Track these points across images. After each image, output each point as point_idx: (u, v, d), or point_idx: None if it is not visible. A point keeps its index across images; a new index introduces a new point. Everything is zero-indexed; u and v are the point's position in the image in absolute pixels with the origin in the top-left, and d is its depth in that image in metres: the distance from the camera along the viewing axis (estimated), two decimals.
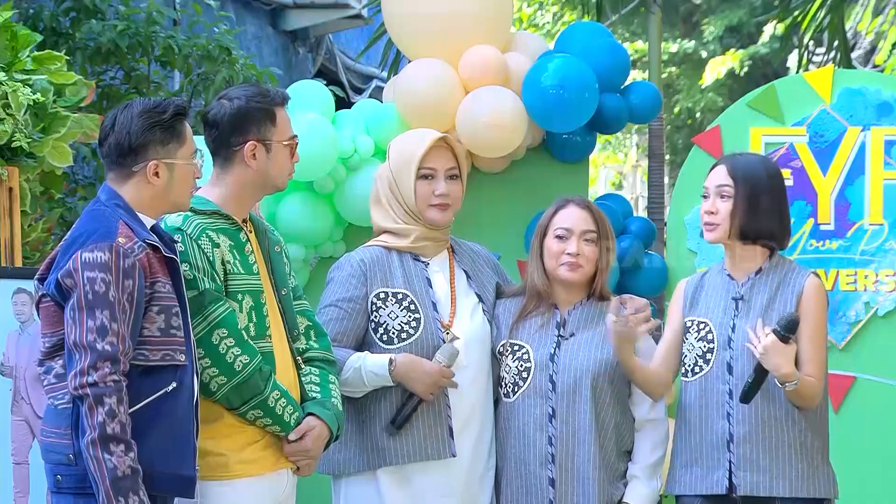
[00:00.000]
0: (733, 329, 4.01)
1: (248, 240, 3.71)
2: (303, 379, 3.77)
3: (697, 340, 4.06)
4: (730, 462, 3.97)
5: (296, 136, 3.75)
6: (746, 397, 3.91)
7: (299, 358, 3.78)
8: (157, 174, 3.40)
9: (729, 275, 4.10)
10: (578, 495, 4.02)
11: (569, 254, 4.08)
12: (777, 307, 3.99)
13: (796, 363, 3.93)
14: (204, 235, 3.59)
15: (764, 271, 4.06)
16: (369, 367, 3.97)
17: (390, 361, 3.96)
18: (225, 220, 3.67)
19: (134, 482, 3.20)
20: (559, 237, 4.11)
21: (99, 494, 3.20)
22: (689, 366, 4.08)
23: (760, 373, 3.89)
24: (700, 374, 4.05)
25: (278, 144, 3.70)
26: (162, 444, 3.33)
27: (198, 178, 3.52)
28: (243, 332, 3.57)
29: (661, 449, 4.14)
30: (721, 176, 4.07)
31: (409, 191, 4.07)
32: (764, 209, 4.03)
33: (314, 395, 3.76)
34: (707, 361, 4.03)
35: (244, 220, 3.74)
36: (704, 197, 4.10)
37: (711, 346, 4.03)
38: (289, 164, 3.74)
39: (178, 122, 3.43)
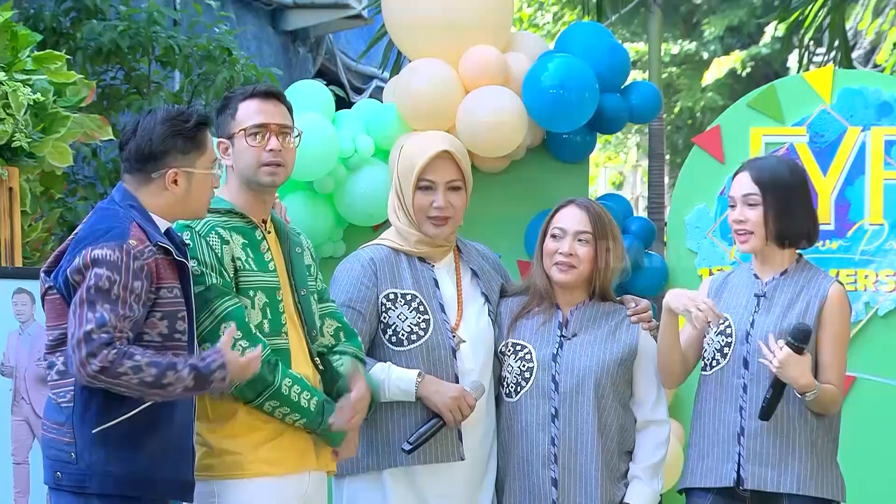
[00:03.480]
0: (752, 325, 4.02)
1: (265, 238, 3.71)
2: (335, 364, 3.78)
3: (717, 335, 4.07)
4: (739, 455, 3.98)
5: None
6: (766, 414, 3.91)
7: (317, 359, 3.79)
8: (175, 182, 3.42)
9: (755, 274, 4.11)
10: (581, 495, 4.02)
11: (561, 253, 4.08)
12: (799, 308, 4.00)
13: (815, 370, 3.95)
14: (213, 232, 3.60)
15: (789, 272, 4.07)
16: (395, 380, 3.95)
17: (419, 374, 3.96)
18: (239, 219, 3.68)
19: (201, 371, 3.26)
20: (554, 236, 4.11)
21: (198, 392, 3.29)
22: (708, 359, 4.09)
23: (778, 387, 3.89)
24: (717, 367, 4.06)
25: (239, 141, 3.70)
26: (161, 449, 3.34)
27: (216, 187, 3.53)
28: (252, 326, 3.58)
29: (663, 449, 4.14)
30: (746, 184, 4.05)
31: (409, 200, 4.06)
32: (796, 211, 4.03)
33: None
34: (724, 356, 4.04)
35: (263, 221, 3.74)
36: (731, 206, 4.10)
37: (729, 340, 4.04)
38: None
39: (200, 132, 3.45)
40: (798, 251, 4.11)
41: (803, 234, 4.07)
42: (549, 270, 4.11)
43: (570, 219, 4.10)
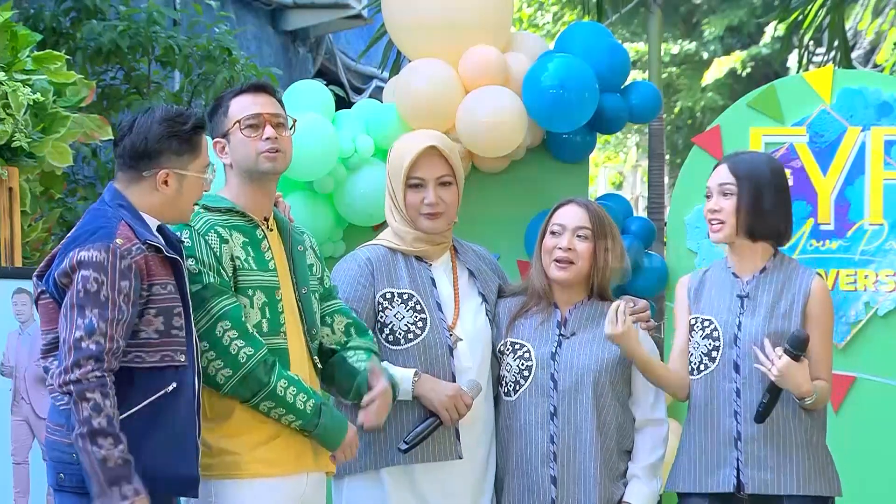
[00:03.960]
0: (739, 327, 4.01)
1: (266, 237, 3.72)
2: (350, 360, 3.79)
3: (703, 338, 4.06)
4: (737, 460, 3.97)
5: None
6: (762, 417, 3.91)
7: (316, 358, 3.79)
8: (166, 183, 3.42)
9: (733, 273, 4.10)
10: (580, 493, 4.02)
11: (560, 248, 4.08)
12: (784, 307, 3.99)
13: (809, 366, 3.95)
14: (212, 231, 3.60)
15: (768, 270, 4.06)
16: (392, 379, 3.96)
17: (415, 373, 3.96)
18: (240, 218, 3.68)
19: (126, 471, 3.21)
20: (553, 233, 4.11)
21: (93, 486, 3.21)
22: (695, 364, 4.07)
23: (775, 393, 3.89)
24: (705, 371, 4.04)
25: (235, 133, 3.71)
26: (164, 445, 3.34)
27: (206, 191, 3.53)
28: (249, 325, 3.58)
29: (662, 449, 4.14)
30: (723, 174, 4.07)
31: (401, 198, 4.07)
32: (769, 206, 4.03)
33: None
34: (713, 359, 4.03)
35: (265, 219, 3.74)
36: (707, 197, 4.10)
37: (717, 343, 4.03)
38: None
39: (196, 135, 3.44)
40: (775, 248, 4.11)
41: (774, 232, 4.07)
42: (547, 268, 4.11)
43: (570, 215, 4.11)
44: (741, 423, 3.98)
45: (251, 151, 3.68)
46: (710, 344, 4.05)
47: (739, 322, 4.02)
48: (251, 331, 3.58)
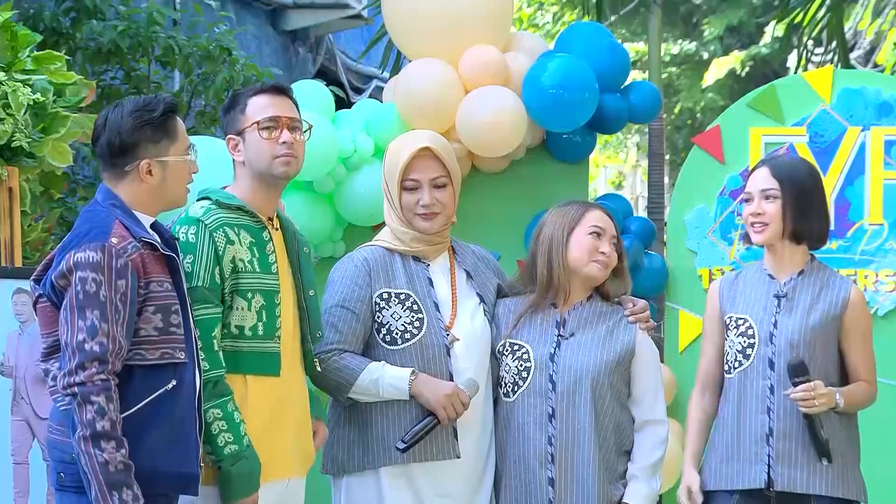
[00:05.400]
0: (775, 325, 4.03)
1: (272, 239, 3.72)
2: None
3: (737, 336, 4.09)
4: (768, 456, 3.99)
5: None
6: (824, 454, 3.98)
7: (316, 360, 3.80)
8: (150, 173, 3.41)
9: (769, 275, 4.12)
10: (578, 495, 4.02)
11: (603, 252, 4.08)
12: (821, 308, 4.03)
13: (846, 372, 4.04)
14: (220, 230, 3.60)
15: (806, 273, 4.09)
16: (388, 379, 3.95)
17: (412, 372, 3.97)
18: (249, 217, 3.68)
19: (127, 476, 3.22)
20: (594, 234, 4.09)
21: (92, 489, 3.21)
22: (731, 363, 4.10)
23: (809, 423, 3.95)
24: (739, 369, 4.07)
25: (251, 135, 3.72)
26: (164, 443, 3.34)
27: (194, 172, 3.52)
28: (216, 343, 3.57)
29: (661, 449, 4.14)
30: (765, 178, 4.08)
31: (396, 200, 4.07)
32: (812, 209, 4.06)
33: None
34: (747, 357, 4.05)
35: (270, 219, 3.74)
36: (747, 201, 4.11)
37: (752, 341, 4.05)
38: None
39: (169, 120, 3.43)
40: (810, 252, 4.14)
41: (816, 234, 4.10)
42: (584, 266, 4.07)
43: (606, 222, 4.11)
44: (773, 420, 3.99)
45: (266, 154, 3.69)
46: (744, 341, 4.07)
47: (776, 320, 4.04)
48: (216, 348, 3.57)
